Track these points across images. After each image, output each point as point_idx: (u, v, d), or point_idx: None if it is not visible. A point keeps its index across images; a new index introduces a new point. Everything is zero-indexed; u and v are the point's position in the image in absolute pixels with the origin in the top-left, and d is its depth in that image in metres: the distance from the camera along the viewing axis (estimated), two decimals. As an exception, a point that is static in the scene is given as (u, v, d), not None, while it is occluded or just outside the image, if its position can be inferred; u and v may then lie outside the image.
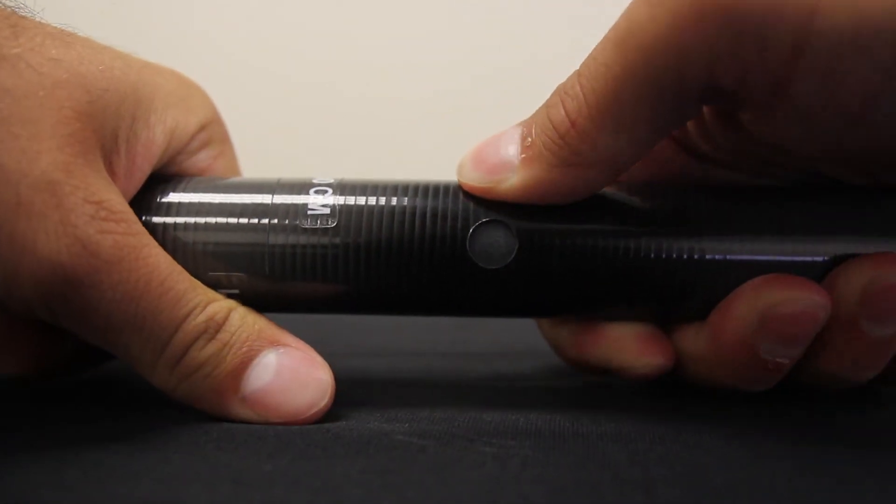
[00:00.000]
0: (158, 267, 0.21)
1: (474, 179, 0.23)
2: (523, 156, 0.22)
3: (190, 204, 0.23)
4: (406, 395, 0.25)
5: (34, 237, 0.20)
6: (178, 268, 0.22)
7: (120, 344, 0.21)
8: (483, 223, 0.22)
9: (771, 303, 0.21)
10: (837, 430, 0.22)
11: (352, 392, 0.25)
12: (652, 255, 0.22)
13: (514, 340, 0.39)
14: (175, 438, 0.20)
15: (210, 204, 0.23)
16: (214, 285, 0.23)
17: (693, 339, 0.24)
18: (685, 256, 0.22)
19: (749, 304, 0.22)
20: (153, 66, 0.25)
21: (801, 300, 0.21)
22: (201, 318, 0.22)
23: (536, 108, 0.23)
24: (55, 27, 0.23)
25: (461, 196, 0.23)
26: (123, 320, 0.21)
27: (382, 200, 0.23)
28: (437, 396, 0.25)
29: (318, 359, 0.23)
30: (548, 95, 0.23)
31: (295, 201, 0.23)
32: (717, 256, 0.22)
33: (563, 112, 0.21)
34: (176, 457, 0.19)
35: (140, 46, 0.26)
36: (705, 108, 0.23)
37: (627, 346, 0.24)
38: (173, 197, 0.24)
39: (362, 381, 0.28)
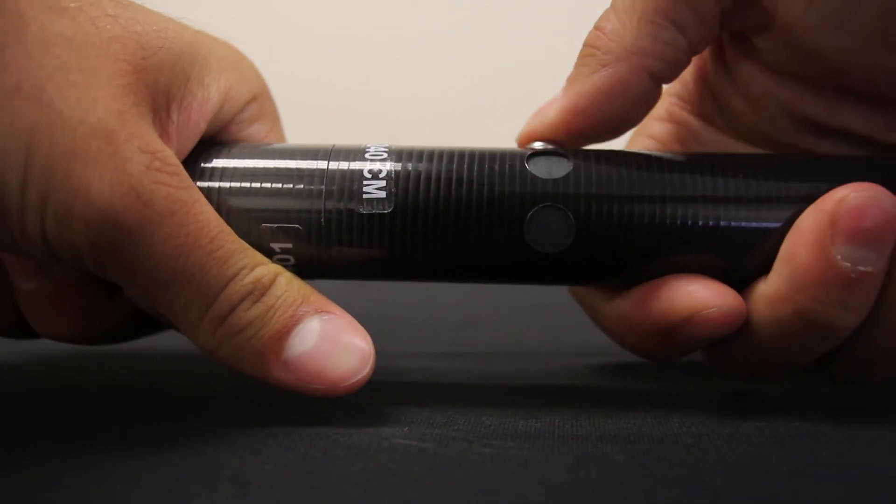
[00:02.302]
0: (209, 224, 0.21)
1: (527, 125, 0.24)
2: (565, 84, 0.24)
3: (244, 168, 0.23)
4: (405, 396, 0.25)
5: (88, 183, 0.19)
6: (228, 228, 0.22)
7: (165, 300, 0.21)
8: (540, 208, 0.22)
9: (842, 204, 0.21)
10: (837, 431, 0.22)
11: (351, 395, 0.25)
12: (710, 223, 0.22)
13: (514, 340, 0.39)
14: (175, 439, 0.20)
15: (264, 168, 0.23)
16: (264, 251, 0.23)
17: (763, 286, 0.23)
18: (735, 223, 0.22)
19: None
20: (207, 33, 0.25)
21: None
22: (249, 278, 0.21)
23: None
24: None
25: (517, 175, 0.22)
26: (171, 274, 0.20)
27: (441, 168, 0.23)
28: (436, 397, 0.25)
29: (361, 328, 0.23)
30: (552, 93, 0.24)
31: (351, 167, 0.23)
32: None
33: (594, 28, 0.23)
34: (176, 457, 0.19)
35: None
36: (728, 50, 0.25)
37: (695, 291, 0.23)
38: (226, 160, 0.23)
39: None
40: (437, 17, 0.81)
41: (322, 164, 0.23)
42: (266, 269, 0.22)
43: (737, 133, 0.26)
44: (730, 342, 0.23)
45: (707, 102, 0.27)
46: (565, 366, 0.31)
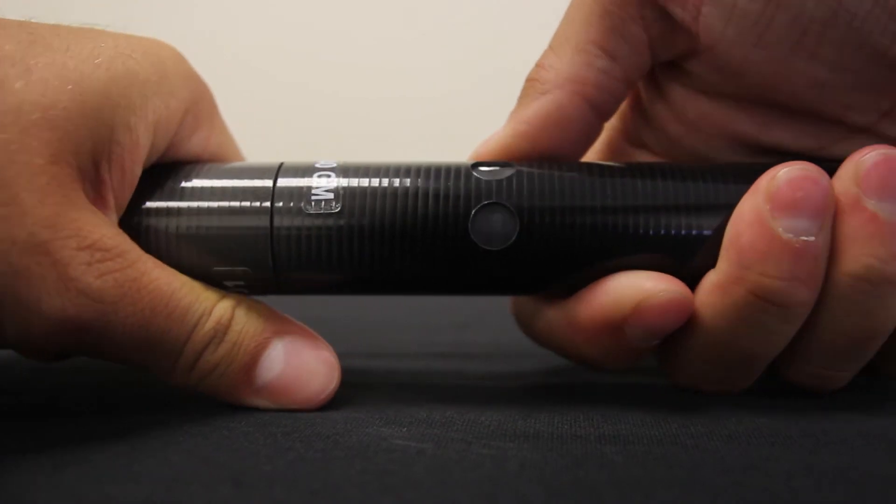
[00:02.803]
0: (160, 290, 0.22)
1: (473, 153, 0.25)
2: (508, 116, 0.25)
3: (190, 197, 0.23)
4: (404, 397, 0.26)
5: (38, 298, 0.20)
6: (178, 280, 0.22)
7: (136, 361, 0.22)
8: (484, 205, 0.23)
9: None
10: (836, 431, 0.22)
11: (350, 394, 0.25)
12: (651, 232, 0.23)
13: (514, 341, 0.39)
14: (175, 439, 0.20)
15: (211, 192, 0.23)
16: (218, 277, 0.23)
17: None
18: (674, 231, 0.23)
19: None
20: (122, 51, 0.22)
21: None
22: (209, 324, 0.22)
23: None
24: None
25: (462, 177, 0.23)
26: (136, 345, 0.22)
27: (385, 182, 0.23)
28: (435, 398, 0.25)
29: (321, 341, 0.24)
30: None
31: (299, 184, 0.23)
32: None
33: (534, 66, 0.25)
34: (175, 458, 0.19)
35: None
36: (661, 78, 0.26)
37: (641, 281, 0.23)
38: (170, 194, 0.23)
39: (361, 382, 0.28)
40: (433, 20, 0.81)
41: (269, 183, 0.23)
42: (223, 306, 0.23)
43: (676, 157, 0.27)
44: (684, 338, 0.24)
45: (644, 130, 0.28)
46: (564, 366, 0.32)
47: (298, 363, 0.23)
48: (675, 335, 0.24)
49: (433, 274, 0.23)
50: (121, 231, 0.22)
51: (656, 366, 0.26)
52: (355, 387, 0.27)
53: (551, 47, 0.25)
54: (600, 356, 0.25)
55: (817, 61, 0.23)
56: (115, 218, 0.22)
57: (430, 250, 0.23)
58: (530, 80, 0.25)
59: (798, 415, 0.23)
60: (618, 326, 0.23)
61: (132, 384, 0.28)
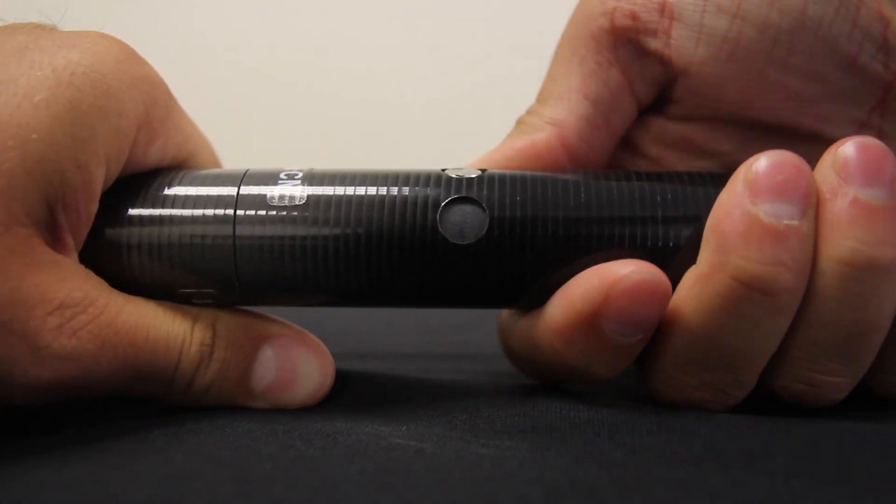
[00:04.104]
0: (136, 326, 0.22)
1: None
2: None
3: (149, 219, 0.23)
4: (404, 397, 0.26)
5: (17, 373, 0.20)
6: (150, 309, 0.22)
7: (133, 392, 0.22)
8: (453, 199, 0.23)
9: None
10: (836, 431, 0.22)
11: (350, 394, 0.25)
12: (626, 230, 0.23)
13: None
14: (176, 438, 0.20)
15: (173, 202, 0.23)
16: (187, 295, 0.23)
17: None
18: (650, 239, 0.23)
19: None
20: (61, 75, 0.21)
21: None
22: (194, 349, 0.23)
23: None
24: None
25: (432, 178, 0.23)
26: (126, 383, 0.22)
27: (352, 190, 0.23)
28: (434, 398, 0.25)
29: (308, 338, 0.24)
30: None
31: (262, 192, 0.23)
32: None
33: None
34: (177, 456, 0.19)
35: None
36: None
37: (610, 267, 0.22)
38: (126, 217, 0.23)
39: (360, 383, 0.28)
40: (433, 21, 0.81)
41: (232, 190, 0.23)
42: (202, 327, 0.23)
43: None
44: (665, 337, 0.23)
45: (621, 153, 0.28)
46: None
47: (290, 366, 0.23)
48: (656, 337, 0.23)
49: (404, 276, 0.23)
50: (84, 271, 0.21)
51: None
52: (355, 387, 0.27)
53: (538, 99, 0.26)
54: (584, 360, 0.23)
55: (790, 72, 0.23)
56: (75, 256, 0.22)
57: (401, 250, 0.23)
58: (518, 122, 0.26)
59: (798, 414, 0.23)
60: (593, 321, 0.22)
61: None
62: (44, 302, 0.20)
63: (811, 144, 0.24)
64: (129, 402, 0.25)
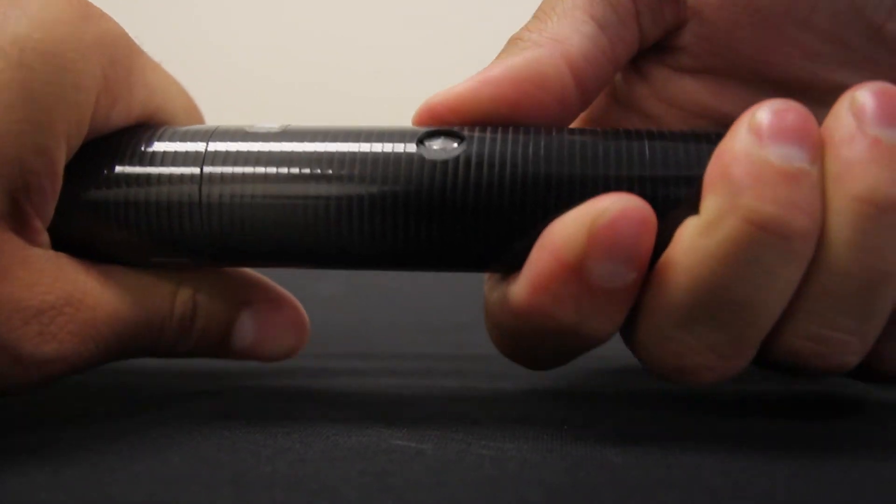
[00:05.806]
0: (116, 316, 0.22)
1: (426, 101, 0.23)
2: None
3: (114, 183, 0.22)
4: (404, 398, 0.26)
5: (6, 385, 0.20)
6: (129, 293, 0.22)
7: (114, 361, 0.23)
8: (433, 130, 0.22)
9: None
10: (835, 433, 0.22)
11: (350, 395, 0.25)
12: (613, 174, 0.21)
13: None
14: (175, 440, 0.20)
15: (140, 162, 0.22)
16: (161, 262, 0.23)
17: None
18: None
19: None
20: (11, 56, 0.20)
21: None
22: (175, 324, 0.23)
23: None
24: None
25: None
26: (113, 356, 0.22)
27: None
28: (434, 398, 0.25)
29: (285, 300, 0.25)
30: None
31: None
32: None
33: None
34: (176, 458, 0.19)
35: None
36: (643, 57, 0.24)
37: (589, 204, 0.20)
38: (92, 186, 0.22)
39: (360, 383, 0.28)
40: (431, 21, 0.81)
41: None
42: (182, 301, 0.23)
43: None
44: (664, 289, 0.20)
45: (620, 112, 0.26)
46: (563, 368, 0.31)
47: (267, 329, 0.25)
48: (649, 293, 0.21)
49: (380, 195, 0.21)
50: (55, 262, 0.21)
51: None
52: (354, 388, 0.27)
53: (536, 16, 0.23)
54: (576, 316, 0.21)
55: (811, 31, 0.22)
56: (46, 238, 0.21)
57: (381, 172, 0.21)
58: (511, 40, 0.23)
59: (798, 415, 0.23)
60: (580, 266, 0.20)
61: (132, 384, 0.28)
62: (19, 311, 0.19)
63: (820, 109, 0.22)
64: (128, 403, 0.25)
